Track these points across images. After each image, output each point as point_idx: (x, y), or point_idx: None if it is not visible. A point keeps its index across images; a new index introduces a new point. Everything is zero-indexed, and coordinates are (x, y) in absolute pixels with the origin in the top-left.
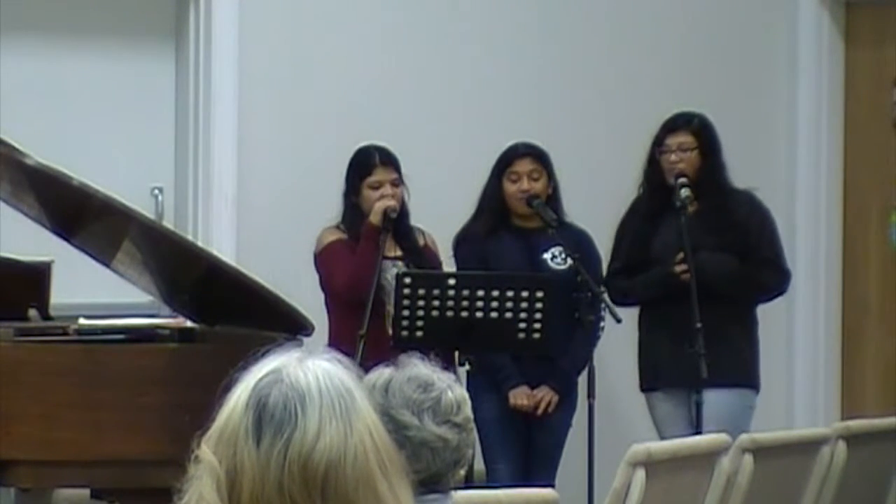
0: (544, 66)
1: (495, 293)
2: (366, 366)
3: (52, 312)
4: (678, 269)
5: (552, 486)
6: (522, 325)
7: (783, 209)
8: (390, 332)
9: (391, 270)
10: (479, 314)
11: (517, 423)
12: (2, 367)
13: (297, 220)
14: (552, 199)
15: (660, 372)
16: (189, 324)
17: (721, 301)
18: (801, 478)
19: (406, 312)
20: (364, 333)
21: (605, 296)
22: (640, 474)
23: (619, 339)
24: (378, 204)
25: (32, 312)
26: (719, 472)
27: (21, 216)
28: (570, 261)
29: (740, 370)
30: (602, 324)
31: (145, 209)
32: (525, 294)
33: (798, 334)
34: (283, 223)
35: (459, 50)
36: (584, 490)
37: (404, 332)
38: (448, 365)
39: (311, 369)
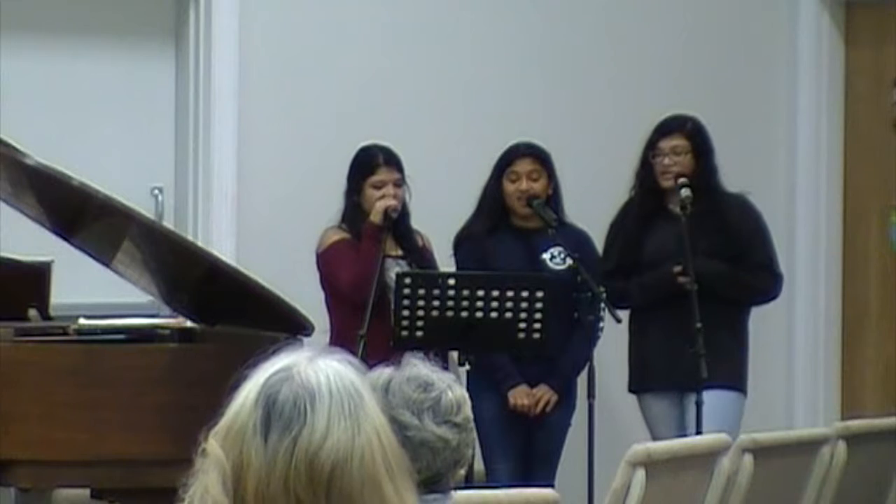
0: (544, 66)
1: (495, 293)
2: (367, 366)
3: (52, 312)
4: (677, 272)
5: (552, 486)
6: (522, 325)
7: (783, 209)
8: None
9: (394, 269)
10: (479, 314)
11: (517, 423)
12: (2, 367)
13: (296, 220)
14: (552, 199)
15: (652, 373)
16: (189, 324)
17: (711, 305)
18: (801, 478)
19: (406, 312)
20: (364, 333)
21: (605, 296)
22: (640, 474)
23: (618, 340)
24: (379, 203)
25: (32, 312)
26: (719, 472)
27: (21, 216)
28: (569, 261)
29: (728, 373)
30: (601, 324)
31: (145, 209)
32: (525, 294)
33: (798, 334)
34: (283, 223)
35: (459, 50)
36: (584, 490)
37: (404, 332)
38: (444, 364)
39: (321, 369)
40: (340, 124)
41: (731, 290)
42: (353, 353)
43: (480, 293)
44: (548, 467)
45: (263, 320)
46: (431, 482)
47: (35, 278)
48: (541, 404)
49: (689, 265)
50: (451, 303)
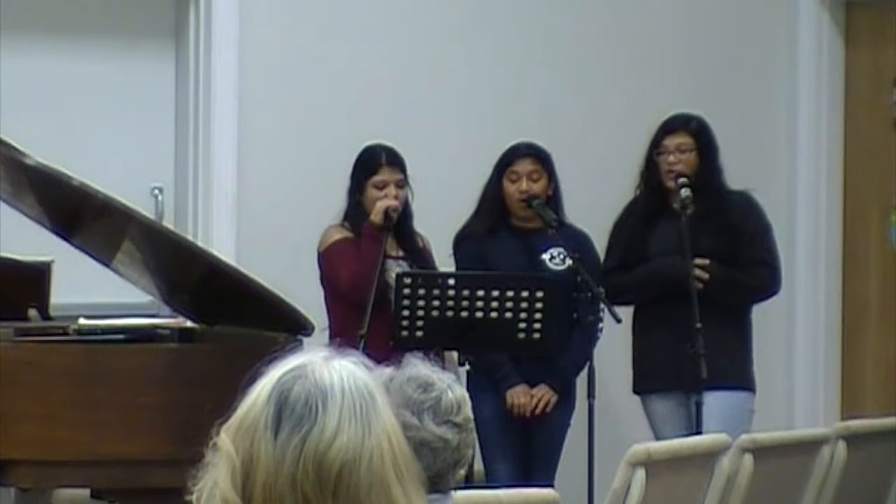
0: (544, 66)
1: (495, 293)
2: None
3: (52, 312)
4: (700, 264)
5: (552, 485)
6: (522, 325)
7: (783, 209)
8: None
9: (395, 269)
10: (479, 314)
11: (516, 423)
12: (2, 367)
13: (297, 219)
14: (552, 200)
15: (657, 373)
16: (189, 324)
17: (715, 304)
18: (801, 478)
19: (406, 312)
20: (364, 333)
21: (604, 295)
22: (640, 474)
23: (618, 340)
24: (380, 203)
25: (32, 312)
26: (719, 472)
27: (21, 216)
28: (569, 261)
29: (737, 372)
30: (601, 325)
31: (145, 209)
32: (525, 294)
33: (798, 334)
34: (283, 223)
35: (460, 50)
36: (584, 490)
37: (404, 332)
38: (442, 364)
39: (336, 369)
40: (340, 124)
41: (728, 292)
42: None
43: (480, 293)
44: (547, 467)
45: (263, 320)
46: (431, 482)
47: (35, 278)
48: (541, 404)
49: (689, 263)
50: (451, 303)
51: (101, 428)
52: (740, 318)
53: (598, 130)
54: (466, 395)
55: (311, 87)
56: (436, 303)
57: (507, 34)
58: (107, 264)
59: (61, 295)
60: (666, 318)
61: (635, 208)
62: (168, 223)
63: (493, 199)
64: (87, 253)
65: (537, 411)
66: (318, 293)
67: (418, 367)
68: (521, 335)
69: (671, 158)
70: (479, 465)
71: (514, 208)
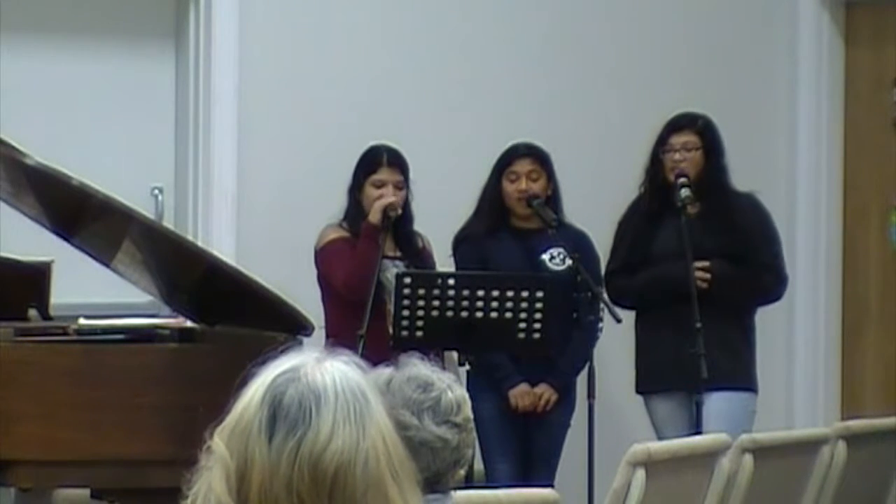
0: (545, 67)
1: (495, 293)
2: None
3: (52, 312)
4: (700, 266)
5: (551, 485)
6: (522, 325)
7: (783, 209)
8: (391, 331)
9: (391, 269)
10: (479, 314)
11: (516, 422)
12: (2, 367)
13: (297, 220)
14: (552, 200)
15: (660, 374)
16: (189, 324)
17: (720, 304)
18: (801, 478)
19: (406, 312)
20: (364, 333)
21: (605, 296)
22: (640, 474)
23: (618, 340)
24: (378, 203)
25: (32, 312)
26: (719, 472)
27: (21, 216)
28: (568, 261)
29: (740, 373)
30: (601, 324)
31: (145, 209)
32: (525, 294)
33: (798, 334)
34: (283, 223)
35: (460, 50)
36: (584, 490)
37: (404, 332)
38: (441, 363)
39: (328, 370)
40: (340, 124)
41: (734, 291)
42: (350, 351)
43: (480, 293)
44: (547, 467)
45: (263, 320)
46: (431, 482)
47: (35, 278)
48: (541, 403)
49: (689, 260)
50: (451, 303)
51: (101, 428)
52: (744, 320)
53: (598, 130)
54: (466, 395)
55: (311, 87)
56: (436, 303)
57: (507, 34)
58: (107, 264)
59: (61, 295)
60: (668, 319)
61: (639, 207)
62: (168, 223)
63: (492, 199)
64: (87, 253)
65: (538, 409)
66: (318, 293)
67: (418, 367)
68: (521, 335)
69: (676, 156)
70: (479, 465)
71: (514, 208)
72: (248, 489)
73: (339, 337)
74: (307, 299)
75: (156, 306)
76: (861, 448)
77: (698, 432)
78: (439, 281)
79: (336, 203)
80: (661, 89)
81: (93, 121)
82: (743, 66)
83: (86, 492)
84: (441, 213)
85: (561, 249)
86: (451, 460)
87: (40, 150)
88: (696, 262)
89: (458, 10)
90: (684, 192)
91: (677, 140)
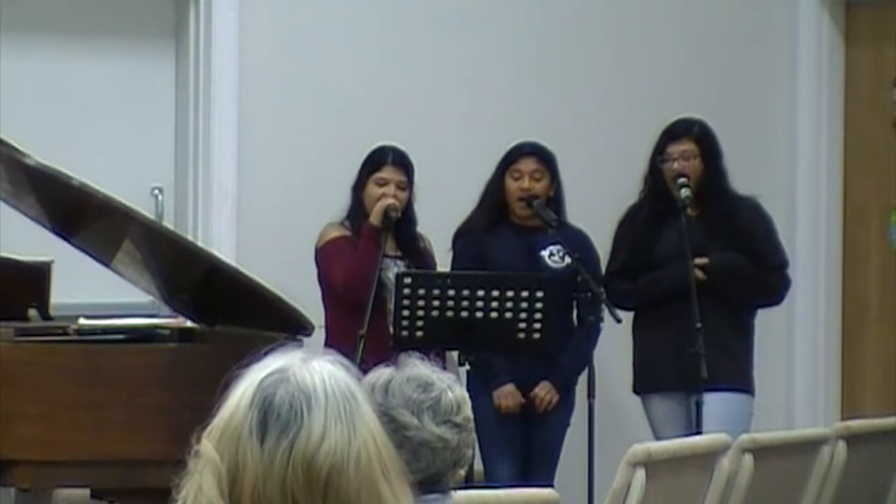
0: (546, 68)
1: (495, 293)
2: (366, 366)
3: (52, 312)
4: (700, 264)
5: (551, 485)
6: (522, 325)
7: (783, 209)
8: (391, 331)
9: (392, 269)
10: (479, 314)
11: (516, 422)
12: (2, 367)
13: (297, 219)
14: (554, 201)
15: (658, 373)
16: (189, 324)
17: (720, 305)
18: (801, 478)
19: (406, 312)
20: (364, 333)
21: (605, 296)
22: (640, 474)
23: (618, 340)
24: (379, 204)
25: (32, 312)
26: (719, 472)
27: (21, 216)
28: (568, 259)
29: (736, 375)
30: (601, 324)
31: (145, 209)
32: (525, 294)
33: (798, 334)
34: (283, 223)
35: (461, 51)
36: (584, 490)
37: (404, 332)
38: (443, 364)
39: (316, 370)
40: (340, 124)
41: (748, 285)
42: (349, 351)
43: (480, 293)
44: (547, 467)
45: (263, 320)
46: (431, 482)
47: (35, 278)
48: (543, 402)
49: (689, 259)
50: (451, 303)
51: (101, 428)
52: (743, 322)
53: (599, 131)
54: (466, 395)
55: (311, 87)
56: (436, 303)
57: (509, 36)
58: (107, 264)
59: (61, 295)
60: (667, 318)
61: (639, 212)
62: (168, 223)
63: (494, 195)
64: (87, 253)
65: (540, 409)
66: (318, 293)
67: (418, 367)
68: (521, 335)
69: (675, 165)
70: (478, 465)
71: (515, 206)
72: (240, 492)
73: (340, 337)
74: (307, 299)
75: (156, 306)
76: (861, 448)
77: (698, 432)
78: (439, 281)
79: (336, 203)
80: (662, 90)
81: (93, 121)
82: (743, 66)
83: (86, 492)
84: (440, 213)
85: (560, 248)
86: (451, 460)
87: (40, 150)
88: (695, 259)
89: (459, 10)
90: (684, 191)
91: (675, 149)
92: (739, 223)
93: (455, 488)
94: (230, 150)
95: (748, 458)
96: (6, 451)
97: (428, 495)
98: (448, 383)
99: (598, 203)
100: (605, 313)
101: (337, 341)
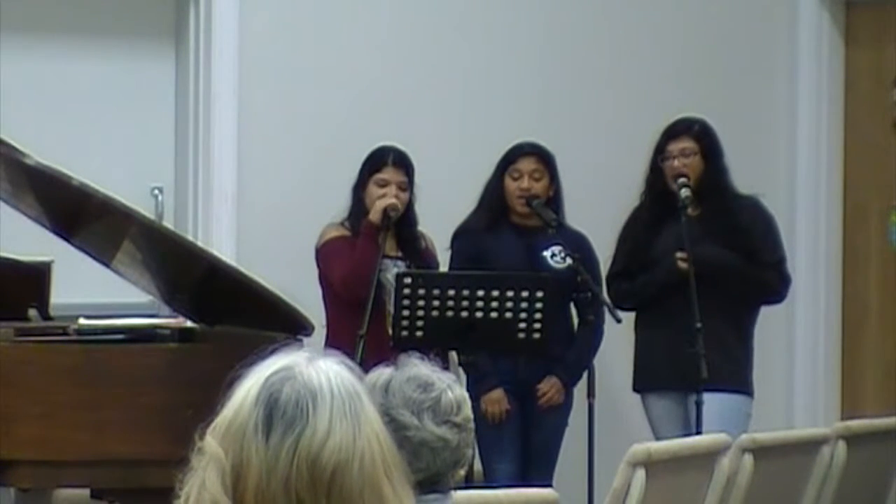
0: (546, 70)
1: (495, 293)
2: (366, 366)
3: (52, 312)
4: (678, 255)
5: (550, 485)
6: (522, 325)
7: (783, 209)
8: (390, 331)
9: (392, 269)
10: (479, 314)
11: (515, 422)
12: (2, 367)
13: (297, 220)
14: (553, 201)
15: (657, 373)
16: (189, 324)
17: (720, 305)
18: (801, 478)
19: (406, 312)
20: (364, 333)
21: (605, 297)
22: (640, 474)
23: (619, 339)
24: (379, 202)
25: (32, 312)
26: (719, 472)
27: (21, 216)
28: (569, 260)
29: (736, 375)
30: (602, 325)
31: (145, 209)
32: (525, 294)
33: (798, 334)
34: (283, 223)
35: (461, 51)
36: (584, 490)
37: (404, 332)
38: (444, 364)
39: (322, 369)
40: (340, 124)
41: (741, 281)
42: (349, 350)
43: (480, 293)
44: (546, 467)
45: (263, 320)
46: (431, 482)
47: (35, 278)
48: (545, 397)
49: (689, 258)
50: (451, 303)
51: (101, 428)
52: (742, 322)
53: (599, 132)
54: (466, 395)
55: (311, 87)
56: (436, 303)
57: (507, 36)
58: (107, 264)
59: (61, 295)
60: (666, 318)
61: (641, 214)
62: (168, 223)
63: (493, 195)
64: (87, 253)
65: (541, 402)
66: (318, 292)
67: (418, 367)
68: (521, 335)
69: (675, 163)
70: (478, 465)
71: (514, 206)
72: (244, 488)
73: (340, 337)
74: (307, 299)
75: (156, 306)
76: (861, 448)
77: (698, 432)
78: (439, 281)
79: (336, 203)
80: (662, 90)
81: (93, 121)
82: (743, 66)
83: (86, 492)
84: (440, 213)
85: (561, 248)
86: (451, 460)
87: (40, 150)
88: (679, 253)
89: (459, 11)
90: (684, 192)
91: (675, 147)
92: (738, 221)
93: (455, 488)
94: (230, 150)
95: (748, 458)
96: (6, 451)
97: (428, 495)
98: (448, 383)
99: (598, 203)
100: (606, 314)
101: (337, 341)
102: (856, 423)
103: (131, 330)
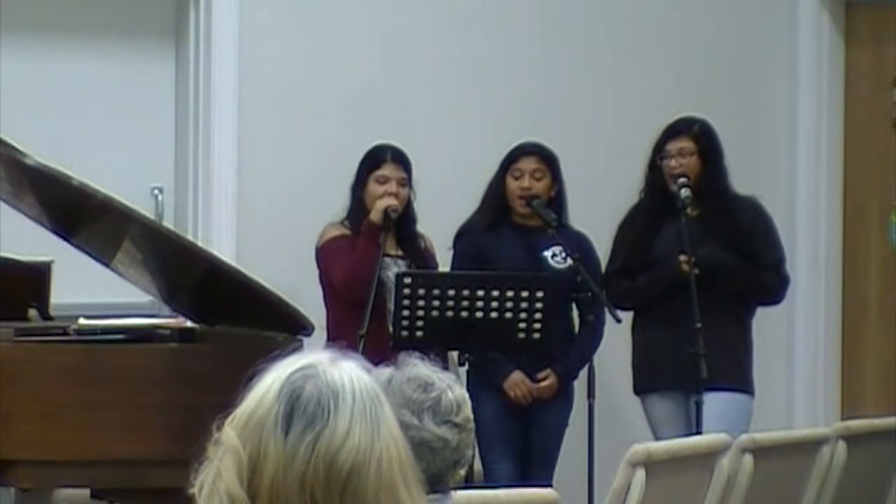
0: (546, 69)
1: (495, 293)
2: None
3: (52, 312)
4: (682, 258)
5: (550, 485)
6: (522, 325)
7: (783, 209)
8: (391, 331)
9: (392, 268)
10: (479, 314)
11: (515, 422)
12: (2, 367)
13: (297, 219)
14: (555, 201)
15: (658, 373)
16: (189, 324)
17: (720, 305)
18: (801, 478)
19: (406, 312)
20: (364, 333)
21: (605, 297)
22: (640, 474)
23: (618, 340)
24: (380, 202)
25: (32, 312)
26: (719, 472)
27: (21, 216)
28: (570, 260)
29: (735, 374)
30: (603, 326)
31: (145, 209)
32: (525, 294)
33: (798, 334)
34: (283, 223)
35: (462, 51)
36: (584, 490)
37: (404, 332)
38: (444, 364)
39: (345, 370)
40: (341, 124)
41: (739, 282)
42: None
43: (480, 293)
44: (546, 467)
45: (263, 320)
46: (431, 482)
47: (35, 278)
48: (542, 386)
49: (690, 263)
50: (451, 303)
51: (101, 428)
52: (742, 321)
53: (598, 132)
54: (466, 395)
55: (311, 87)
56: (436, 303)
57: (507, 37)
58: (107, 264)
59: (61, 295)
60: (666, 318)
61: (639, 212)
62: (168, 223)
63: (495, 194)
64: (87, 253)
65: (539, 396)
66: (318, 293)
67: (418, 367)
68: (521, 335)
69: (673, 163)
70: (478, 465)
71: (515, 206)
72: (259, 481)
73: (340, 337)
74: (307, 299)
75: (156, 306)
76: (861, 448)
77: (698, 432)
78: (439, 281)
79: (336, 203)
80: (662, 91)
81: (93, 121)
82: (743, 66)
83: (86, 492)
84: (439, 213)
85: (562, 248)
86: (451, 460)
87: (40, 150)
88: (682, 257)
89: (459, 10)
90: (684, 192)
91: (674, 146)
92: (737, 222)
93: (455, 488)
94: (230, 150)
95: (748, 458)
96: (6, 451)
97: (428, 495)
98: (448, 383)
99: (598, 203)
100: (606, 314)
101: (338, 341)
102: (856, 423)
103: (131, 330)
